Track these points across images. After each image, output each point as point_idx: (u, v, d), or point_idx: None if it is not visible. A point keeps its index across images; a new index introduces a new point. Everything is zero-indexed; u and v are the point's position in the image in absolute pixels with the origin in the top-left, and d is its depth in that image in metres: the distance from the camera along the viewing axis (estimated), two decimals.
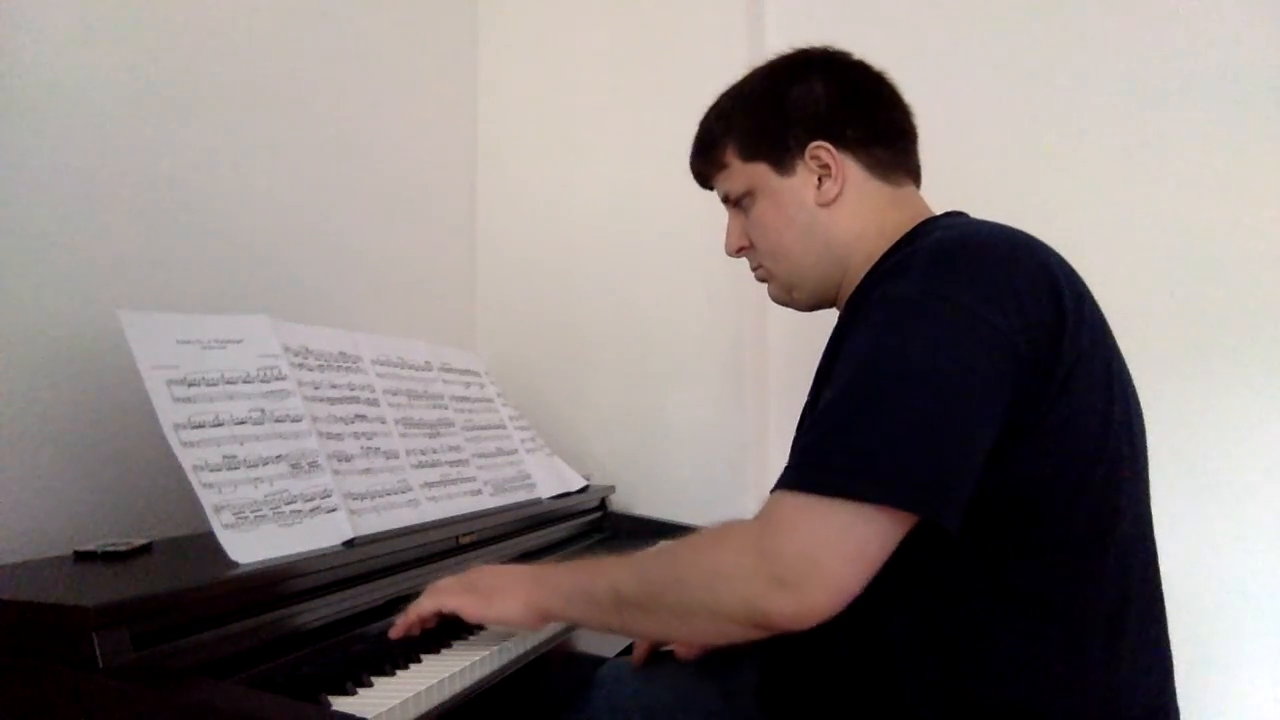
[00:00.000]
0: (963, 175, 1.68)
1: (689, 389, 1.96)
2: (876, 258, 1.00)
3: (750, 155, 1.07)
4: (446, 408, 1.46)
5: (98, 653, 0.75)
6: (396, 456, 1.27)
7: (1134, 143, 1.69)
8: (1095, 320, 0.92)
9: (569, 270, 2.08)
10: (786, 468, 0.84)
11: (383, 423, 1.28)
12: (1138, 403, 0.95)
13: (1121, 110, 1.69)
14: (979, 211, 1.03)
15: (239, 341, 1.10)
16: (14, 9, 1.15)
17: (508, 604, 0.98)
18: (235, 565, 0.94)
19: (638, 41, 2.00)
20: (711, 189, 1.15)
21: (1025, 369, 0.83)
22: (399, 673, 0.94)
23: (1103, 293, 0.94)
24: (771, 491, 0.84)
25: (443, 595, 1.00)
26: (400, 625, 1.00)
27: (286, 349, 1.15)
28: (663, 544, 0.93)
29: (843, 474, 0.79)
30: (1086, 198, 1.70)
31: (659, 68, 1.97)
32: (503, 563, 1.37)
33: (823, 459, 0.81)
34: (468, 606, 0.99)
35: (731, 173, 1.09)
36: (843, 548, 0.79)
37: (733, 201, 1.11)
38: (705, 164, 1.13)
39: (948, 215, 1.04)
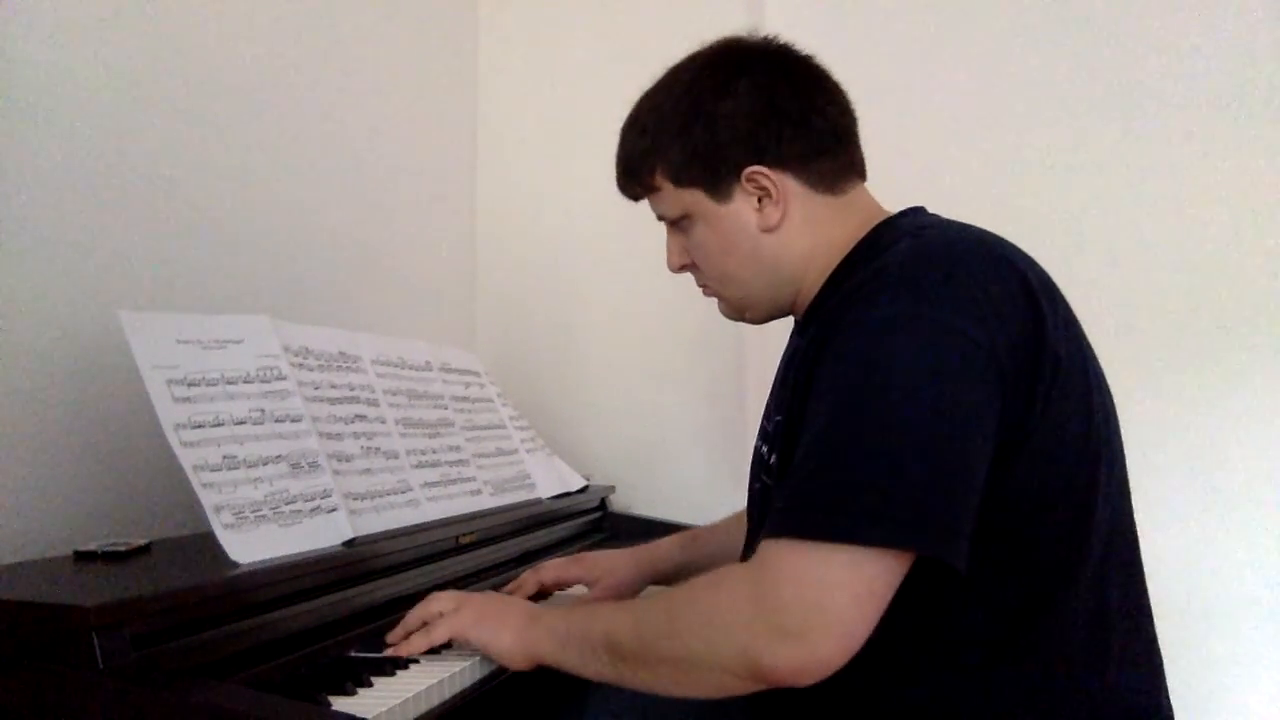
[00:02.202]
0: (960, 174, 1.68)
1: (689, 389, 1.96)
2: (831, 269, 0.97)
3: (683, 181, 1.00)
4: (446, 408, 1.46)
5: (98, 653, 0.75)
6: (396, 456, 1.27)
7: (1132, 142, 1.68)
8: (1069, 319, 0.90)
9: (569, 270, 2.08)
10: (777, 511, 0.80)
11: (383, 423, 1.28)
12: (1112, 400, 0.94)
13: (1120, 110, 1.69)
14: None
15: (239, 341, 1.09)
16: (14, 8, 1.15)
17: (499, 633, 0.96)
18: (235, 565, 0.94)
19: (638, 41, 2.00)
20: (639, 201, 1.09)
21: (1009, 383, 0.80)
22: (399, 673, 0.94)
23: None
24: (764, 537, 0.80)
25: (434, 630, 0.98)
26: (403, 644, 0.99)
27: (286, 349, 1.15)
28: (661, 590, 0.91)
29: (841, 517, 0.75)
30: (1084, 197, 1.70)
31: (659, 68, 1.96)
32: (503, 562, 1.38)
33: (816, 502, 0.77)
34: (458, 626, 0.97)
35: (664, 196, 1.03)
36: (849, 590, 0.75)
37: (669, 222, 1.06)
38: (634, 186, 1.06)
39: (904, 216, 1.00)
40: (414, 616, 1.01)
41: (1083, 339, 0.91)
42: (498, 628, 0.96)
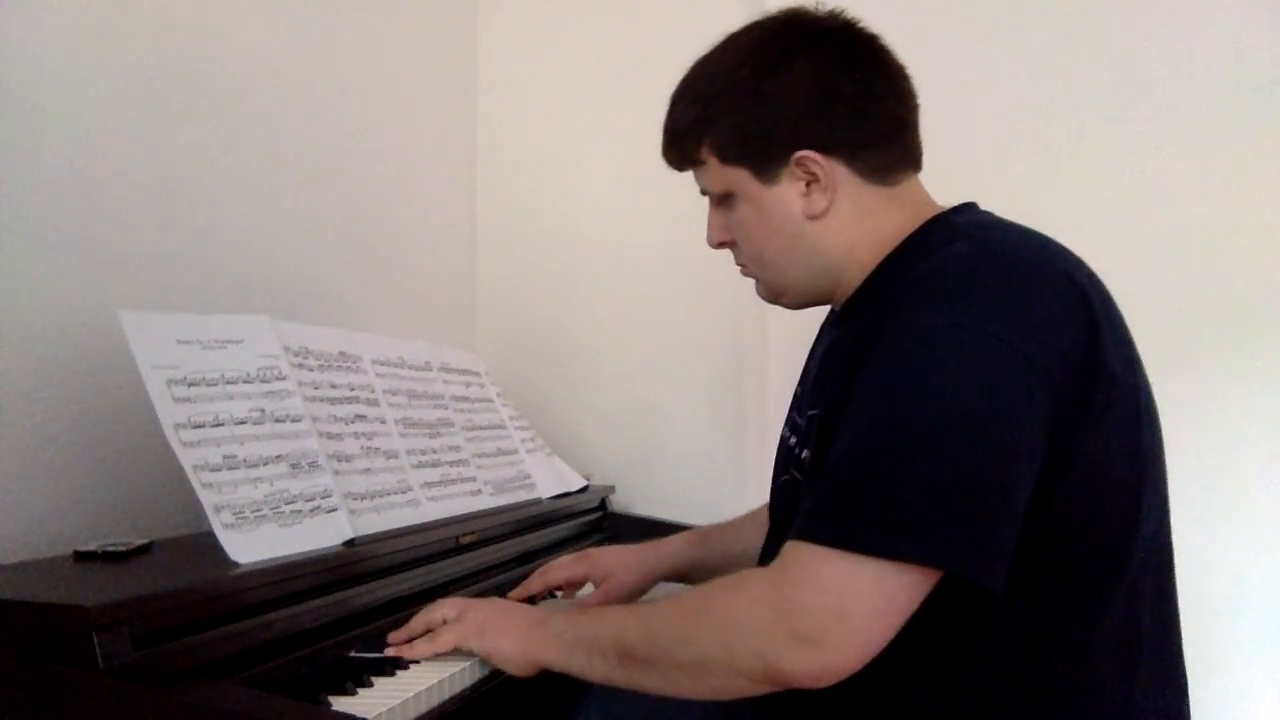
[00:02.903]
0: (961, 173, 1.68)
1: (689, 389, 1.96)
2: (876, 262, 0.94)
3: (729, 158, 0.96)
4: (446, 408, 1.46)
5: (98, 653, 0.75)
6: (396, 456, 1.27)
7: (1133, 141, 1.68)
8: (1122, 334, 0.87)
9: (569, 270, 2.08)
10: (806, 514, 0.79)
11: (383, 423, 1.28)
12: (1159, 419, 0.91)
13: (1122, 108, 1.69)
14: None
15: (239, 341, 1.09)
16: (14, 9, 1.15)
17: (500, 642, 0.95)
18: (235, 565, 0.94)
19: (638, 41, 2.00)
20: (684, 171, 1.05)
21: (1061, 401, 0.78)
22: (399, 673, 0.95)
23: None
24: (790, 539, 0.79)
25: (439, 639, 0.97)
26: (406, 648, 0.99)
27: (286, 349, 1.15)
28: (673, 592, 0.90)
29: (874, 529, 0.74)
30: (1086, 196, 1.70)
31: (659, 67, 1.96)
32: (503, 562, 1.38)
33: (850, 510, 0.76)
34: (461, 635, 0.97)
35: (708, 170, 0.99)
36: (871, 601, 0.74)
37: (713, 197, 1.02)
38: (678, 158, 1.02)
39: (957, 212, 0.96)
40: (419, 621, 1.01)
41: (1136, 357, 0.89)
42: (500, 636, 0.95)
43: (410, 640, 0.99)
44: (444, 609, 1.01)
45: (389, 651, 0.99)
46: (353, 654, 0.99)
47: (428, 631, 1.00)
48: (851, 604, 0.74)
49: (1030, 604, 0.83)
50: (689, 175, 1.07)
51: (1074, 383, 0.79)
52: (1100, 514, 0.83)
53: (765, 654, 0.77)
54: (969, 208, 0.98)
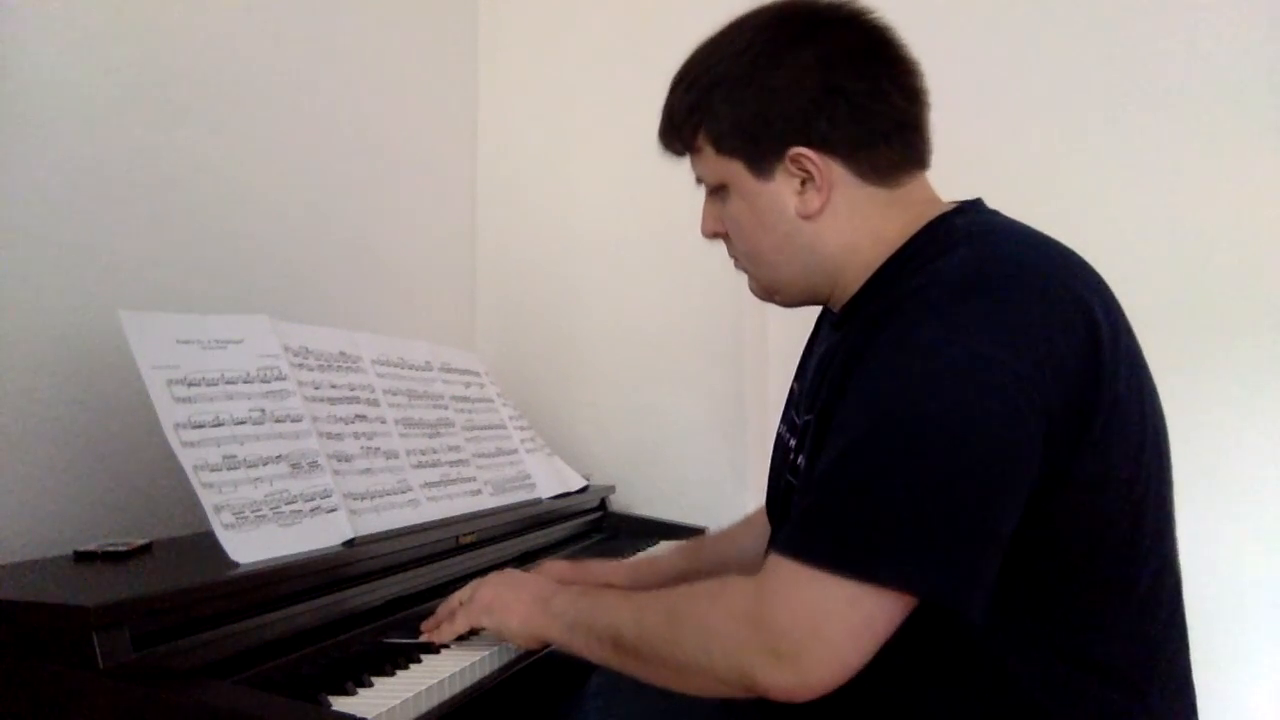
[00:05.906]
0: (961, 174, 1.68)
1: (689, 389, 1.96)
2: (876, 265, 0.91)
3: (724, 149, 0.93)
4: (446, 408, 1.46)
5: (98, 653, 0.75)
6: (396, 456, 1.27)
7: (1135, 140, 1.68)
8: (1130, 352, 0.85)
9: (569, 270, 2.08)
10: (789, 528, 0.78)
11: (383, 423, 1.28)
12: (1167, 436, 0.89)
13: (1121, 109, 1.69)
14: None
15: (239, 341, 1.10)
16: (13, 9, 1.15)
17: (507, 619, 0.99)
18: (235, 565, 0.94)
19: (638, 41, 2.00)
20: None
21: (1058, 423, 0.76)
22: (399, 673, 0.95)
23: None
24: (770, 551, 0.79)
25: (455, 621, 1.03)
26: (435, 631, 1.04)
27: (286, 349, 1.15)
28: (669, 590, 0.91)
29: (852, 550, 0.73)
30: (1085, 196, 1.70)
31: (659, 67, 1.96)
32: (503, 562, 1.38)
33: (829, 529, 0.75)
34: (472, 615, 1.02)
35: (704, 159, 0.96)
36: (846, 622, 0.73)
37: (707, 186, 0.99)
38: (675, 142, 0.98)
39: (960, 211, 0.92)
40: (443, 608, 1.06)
41: (1143, 372, 0.87)
42: (506, 614, 1.00)
43: (438, 626, 1.04)
44: (460, 593, 1.06)
45: (424, 637, 1.03)
46: (386, 640, 1.03)
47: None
48: (827, 624, 0.74)
49: (1035, 619, 0.82)
50: (688, 174, 1.05)
51: (1072, 402, 0.77)
52: (1102, 530, 0.82)
53: (743, 667, 0.77)
54: (974, 206, 0.94)
